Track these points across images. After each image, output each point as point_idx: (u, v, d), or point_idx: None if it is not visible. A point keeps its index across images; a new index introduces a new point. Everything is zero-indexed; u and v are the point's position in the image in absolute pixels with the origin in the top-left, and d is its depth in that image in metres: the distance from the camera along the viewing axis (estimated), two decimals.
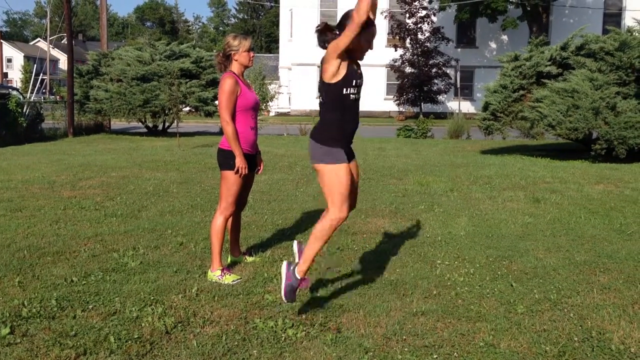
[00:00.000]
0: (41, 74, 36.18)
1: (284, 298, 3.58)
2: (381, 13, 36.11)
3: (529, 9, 34.27)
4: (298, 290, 3.63)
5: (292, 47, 40.58)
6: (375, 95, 38.94)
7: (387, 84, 38.96)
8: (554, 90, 11.81)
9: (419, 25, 34.83)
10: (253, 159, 4.70)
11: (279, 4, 48.04)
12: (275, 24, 62.74)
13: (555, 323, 3.66)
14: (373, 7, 3.38)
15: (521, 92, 12.76)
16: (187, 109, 19.65)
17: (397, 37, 35.56)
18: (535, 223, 6.37)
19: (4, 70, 62.61)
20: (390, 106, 38.07)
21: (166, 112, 18.80)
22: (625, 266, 4.79)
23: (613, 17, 38.15)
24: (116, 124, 23.08)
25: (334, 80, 3.51)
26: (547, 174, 10.02)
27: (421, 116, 29.35)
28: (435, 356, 3.24)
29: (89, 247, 5.33)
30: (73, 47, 20.08)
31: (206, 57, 20.19)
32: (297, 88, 39.56)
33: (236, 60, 4.53)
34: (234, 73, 4.51)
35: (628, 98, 11.30)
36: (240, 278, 4.48)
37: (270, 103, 27.98)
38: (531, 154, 13.44)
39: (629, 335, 3.48)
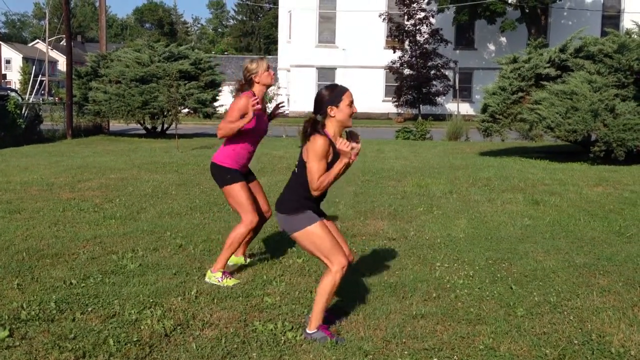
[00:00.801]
0: (40, 76, 36.14)
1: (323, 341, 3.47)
2: (380, 15, 36.14)
3: (527, 11, 34.30)
4: (329, 338, 3.46)
5: (290, 48, 40.59)
6: (374, 96, 38.93)
7: (386, 85, 38.96)
8: (553, 92, 11.82)
9: (417, 27, 34.85)
10: (248, 172, 4.71)
11: (277, 5, 48.06)
12: (274, 25, 62.75)
13: (555, 326, 3.66)
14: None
15: (520, 94, 12.76)
16: (186, 110, 19.65)
17: (396, 39, 35.58)
18: (534, 225, 6.38)
19: (3, 72, 62.47)
20: (389, 108, 38.07)
21: (165, 113, 18.80)
22: (624, 269, 4.79)
23: (612, 19, 38.18)
24: (115, 125, 23.06)
25: None
26: (546, 176, 10.02)
27: (420, 118, 29.37)
28: (435, 359, 3.24)
29: (88, 249, 5.33)
30: (72, 48, 20.08)
31: (205, 58, 20.20)
32: (295, 89, 39.55)
33: (258, 82, 4.55)
34: (253, 94, 4.52)
35: (627, 100, 11.31)
36: (239, 282, 4.47)
37: (269, 105, 28.01)
38: (530, 156, 13.44)
39: (629, 338, 3.47)
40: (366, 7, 37.55)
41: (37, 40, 75.42)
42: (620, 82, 11.44)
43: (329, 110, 3.43)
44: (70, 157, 12.68)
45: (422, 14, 34.86)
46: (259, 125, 4.56)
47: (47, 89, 44.38)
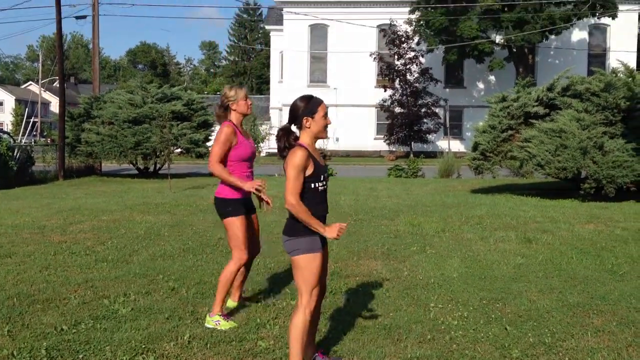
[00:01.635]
0: (32, 117, 36.26)
1: None
2: (370, 55, 36.71)
3: (514, 50, 34.95)
4: None
5: (282, 88, 41.04)
6: (366, 134, 39.26)
7: (377, 123, 39.33)
8: (542, 130, 11.96)
9: (407, 67, 35.41)
10: (250, 203, 4.72)
11: (269, 46, 48.74)
12: (266, 65, 63.53)
13: None
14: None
15: (510, 132, 12.90)
16: (179, 150, 19.73)
17: (387, 78, 36.08)
18: (527, 264, 6.38)
19: None
20: (381, 145, 38.35)
21: (157, 154, 18.85)
22: (618, 308, 4.78)
23: (598, 57, 38.96)
24: (107, 166, 23.07)
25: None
26: (538, 213, 10.06)
27: (412, 155, 29.58)
28: None
29: (80, 293, 5.28)
30: (65, 90, 20.21)
31: (197, 99, 20.38)
32: None
33: (234, 110, 4.62)
34: (233, 123, 4.58)
35: (615, 137, 11.46)
36: (238, 325, 4.44)
37: (261, 144, 28.16)
38: (521, 193, 13.52)
39: None
40: (357, 47, 38.18)
41: (30, 82, 75.89)
42: (608, 120, 11.60)
43: (304, 121, 3.46)
44: (62, 199, 12.64)
45: (412, 54, 35.48)
46: (246, 152, 4.61)
47: (39, 130, 44.46)
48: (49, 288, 5.43)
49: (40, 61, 60.86)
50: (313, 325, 3.61)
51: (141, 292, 5.29)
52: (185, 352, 3.92)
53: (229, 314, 4.62)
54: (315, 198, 3.47)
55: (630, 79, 11.87)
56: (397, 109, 35.65)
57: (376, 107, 37.99)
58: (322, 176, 3.50)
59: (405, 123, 35.13)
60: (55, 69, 29.78)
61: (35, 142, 28.48)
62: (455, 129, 38.98)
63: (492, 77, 38.92)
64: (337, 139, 37.65)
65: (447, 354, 3.86)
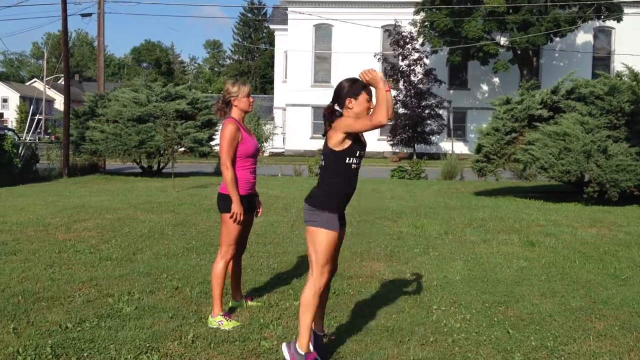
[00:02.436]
0: (37, 115, 36.35)
1: None
2: (374, 56, 36.73)
3: (519, 52, 34.93)
4: None
5: (286, 88, 41.08)
6: (370, 135, 38.83)
7: None
8: (546, 133, 11.97)
9: (411, 68, 35.40)
10: (253, 200, 4.73)
11: (273, 46, 48.78)
12: (270, 65, 63.53)
13: None
14: (389, 110, 3.46)
15: (513, 134, 12.91)
16: (182, 149, 19.76)
17: (391, 79, 36.06)
18: (530, 267, 6.40)
19: (0, 111, 62.86)
20: (384, 146, 38.35)
21: (161, 152, 18.89)
22: (620, 312, 4.80)
23: (602, 60, 38.90)
24: (111, 164, 23.11)
25: (338, 149, 3.58)
26: (541, 216, 10.07)
27: (415, 157, 29.57)
28: None
29: (84, 291, 5.31)
30: (70, 87, 20.26)
31: (202, 98, 20.41)
32: (291, 128, 39.88)
33: (236, 106, 4.61)
34: (235, 119, 4.58)
35: (619, 141, 11.46)
36: (240, 324, 4.46)
37: (265, 143, 28.20)
38: (524, 196, 13.52)
39: None
40: (361, 48, 38.18)
41: (35, 80, 76.13)
42: (612, 124, 11.60)
43: (347, 102, 3.55)
44: (66, 197, 12.68)
45: (416, 55, 35.46)
46: (250, 148, 4.62)
47: (43, 127, 44.57)
48: (54, 286, 5.46)
49: (45, 58, 60.98)
50: (322, 302, 3.68)
51: (145, 291, 5.32)
52: (189, 351, 3.95)
53: (231, 313, 4.65)
54: (345, 172, 3.58)
55: (634, 82, 11.87)
56: (401, 110, 35.66)
57: None
58: (357, 152, 3.59)
59: (408, 124, 35.13)
60: (60, 67, 29.89)
61: (39, 139, 28.55)
62: (458, 131, 38.96)
63: (496, 79, 38.89)
64: None
65: (450, 357, 3.88)
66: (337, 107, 3.62)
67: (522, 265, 6.46)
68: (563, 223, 9.38)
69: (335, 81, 39.64)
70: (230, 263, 4.71)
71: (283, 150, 40.04)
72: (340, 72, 39.45)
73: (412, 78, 35.46)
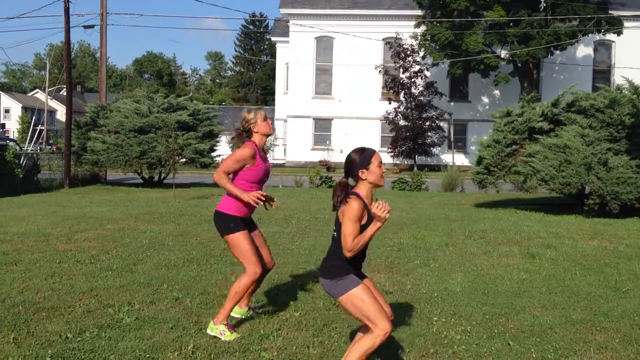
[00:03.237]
0: (39, 125, 36.45)
1: None
2: (375, 68, 36.85)
3: (519, 65, 35.04)
4: None
5: (287, 99, 41.19)
6: (370, 147, 39.24)
7: (382, 136, 39.38)
8: (546, 145, 11.99)
9: (412, 80, 35.51)
10: (250, 221, 4.75)
11: (275, 58, 48.97)
12: (272, 77, 63.79)
13: None
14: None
15: (514, 146, 12.93)
16: (183, 160, 19.80)
17: (391, 91, 36.18)
18: (530, 279, 6.39)
19: (2, 121, 63.03)
20: (385, 158, 38.32)
21: (162, 163, 18.92)
22: (621, 325, 4.79)
23: (602, 73, 39.01)
24: (112, 174, 23.15)
25: None
26: (542, 228, 10.07)
27: (415, 168, 29.60)
28: None
29: (84, 302, 5.31)
30: (72, 99, 20.33)
31: (203, 109, 20.47)
32: (292, 140, 39.94)
33: (257, 132, 4.66)
34: (255, 144, 4.63)
35: (619, 154, 11.48)
36: (241, 335, 4.45)
37: (270, 150, 28.23)
38: (525, 208, 13.52)
39: None
40: (362, 60, 38.32)
41: (37, 90, 76.33)
42: (613, 137, 11.62)
43: (360, 173, 3.54)
44: (67, 207, 12.69)
45: (417, 67, 35.58)
46: (260, 174, 4.64)
47: (45, 138, 44.66)
48: (54, 296, 5.46)
49: (47, 69, 61.23)
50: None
51: (145, 302, 5.32)
52: None
53: (234, 325, 4.64)
54: None
55: (635, 95, 11.90)
56: (402, 122, 35.73)
57: (381, 120, 38.05)
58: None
59: (409, 136, 35.18)
60: (62, 78, 30.02)
61: (41, 149, 28.61)
62: (459, 143, 39.00)
63: (496, 92, 38.98)
64: (342, 151, 37.68)
65: None
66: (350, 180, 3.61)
67: (522, 277, 6.45)
68: (564, 235, 9.37)
69: (336, 93, 39.80)
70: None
71: (284, 161, 40.09)
72: (341, 84, 39.63)
73: (413, 90, 35.56)
